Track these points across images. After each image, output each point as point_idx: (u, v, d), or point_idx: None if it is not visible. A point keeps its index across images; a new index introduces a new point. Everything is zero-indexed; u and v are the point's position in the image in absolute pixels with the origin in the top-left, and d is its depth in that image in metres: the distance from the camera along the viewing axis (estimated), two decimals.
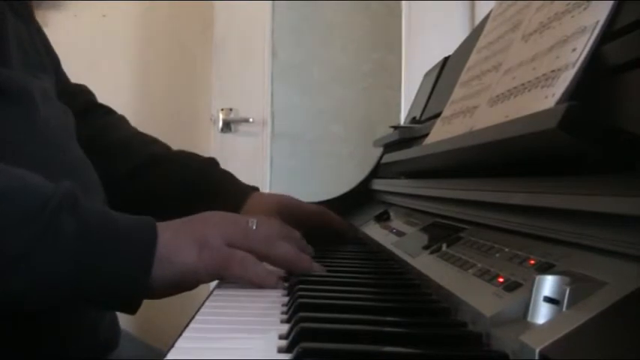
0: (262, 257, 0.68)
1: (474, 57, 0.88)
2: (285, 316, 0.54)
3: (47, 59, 0.86)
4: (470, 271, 0.54)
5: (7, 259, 0.54)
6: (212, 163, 1.04)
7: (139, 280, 0.59)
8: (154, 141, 1.06)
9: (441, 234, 0.71)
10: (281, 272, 0.71)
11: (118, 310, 0.62)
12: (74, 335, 0.73)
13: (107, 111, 1.04)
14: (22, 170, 0.59)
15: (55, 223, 0.56)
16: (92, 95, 1.02)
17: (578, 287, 0.37)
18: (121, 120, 1.06)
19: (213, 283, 0.72)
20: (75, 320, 0.74)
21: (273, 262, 0.70)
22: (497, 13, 0.86)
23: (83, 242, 0.57)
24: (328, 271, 0.72)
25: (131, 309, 0.61)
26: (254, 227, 0.69)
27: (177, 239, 0.63)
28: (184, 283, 0.63)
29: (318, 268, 0.71)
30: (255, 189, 1.03)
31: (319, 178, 2.29)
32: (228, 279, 0.66)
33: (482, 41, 0.88)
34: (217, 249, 0.64)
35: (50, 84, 0.83)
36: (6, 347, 0.68)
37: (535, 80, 0.58)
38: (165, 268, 0.61)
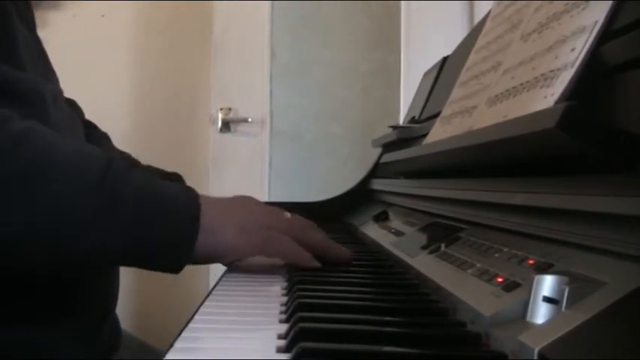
0: (297, 241, 0.74)
1: (472, 57, 0.88)
2: (284, 316, 0.53)
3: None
4: (469, 271, 0.54)
5: (78, 222, 0.59)
6: (176, 177, 1.08)
7: (185, 248, 0.65)
8: (127, 157, 1.10)
9: (440, 234, 0.71)
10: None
11: (164, 270, 0.67)
12: (76, 338, 0.73)
13: (93, 127, 1.04)
14: (75, 139, 0.65)
15: (116, 190, 0.61)
16: (80, 111, 1.02)
17: (578, 287, 0.37)
18: (104, 137, 1.09)
19: (212, 282, 0.72)
20: (77, 323, 0.74)
21: (308, 246, 0.75)
22: (496, 13, 0.86)
23: (139, 210, 0.62)
24: (327, 271, 0.72)
25: (175, 270, 0.66)
26: (288, 216, 0.76)
27: (220, 216, 0.69)
28: (223, 257, 0.71)
29: (348, 259, 0.77)
30: None
31: (318, 178, 2.29)
32: (266, 255, 0.74)
33: (481, 41, 0.88)
34: (256, 230, 0.71)
35: (59, 89, 0.83)
36: (7, 349, 0.68)
37: (534, 80, 0.58)
38: (209, 239, 0.66)
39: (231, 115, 2.29)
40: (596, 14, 0.52)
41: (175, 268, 0.66)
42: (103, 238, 0.61)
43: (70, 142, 0.64)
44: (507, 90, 0.64)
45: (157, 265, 0.66)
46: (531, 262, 0.47)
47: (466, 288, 0.51)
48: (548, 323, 0.37)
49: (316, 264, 0.74)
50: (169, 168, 1.10)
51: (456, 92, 0.88)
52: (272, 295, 0.63)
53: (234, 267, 0.78)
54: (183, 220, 0.65)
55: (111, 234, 0.61)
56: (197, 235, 0.65)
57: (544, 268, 0.44)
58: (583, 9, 0.55)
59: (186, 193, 0.68)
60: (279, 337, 0.47)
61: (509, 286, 0.45)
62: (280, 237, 0.73)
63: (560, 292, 0.37)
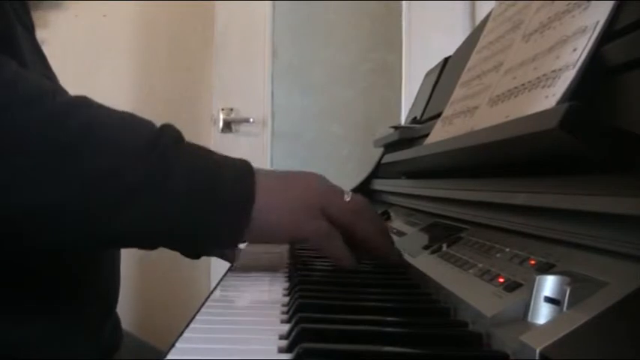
0: (349, 231, 0.70)
1: (474, 57, 0.88)
2: (285, 316, 0.53)
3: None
4: (470, 271, 0.54)
5: (122, 190, 0.57)
6: None
7: (235, 229, 0.63)
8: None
9: (442, 234, 0.71)
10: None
11: (210, 253, 0.66)
12: (77, 337, 0.73)
13: None
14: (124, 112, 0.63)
15: (165, 159, 0.59)
16: None
17: (579, 287, 0.37)
18: None
19: (214, 283, 0.72)
20: (78, 322, 0.74)
21: (357, 238, 0.71)
22: (497, 13, 0.86)
23: (188, 182, 0.60)
24: (328, 271, 0.72)
25: (229, 245, 0.66)
26: (348, 199, 0.71)
27: (277, 196, 0.66)
28: (273, 237, 0.69)
29: (396, 254, 0.74)
30: None
31: None
32: (311, 246, 0.73)
33: (482, 41, 0.88)
34: (311, 217, 0.68)
35: (61, 88, 0.83)
36: (8, 348, 0.68)
37: (535, 80, 0.58)
38: (262, 220, 0.64)
39: (232, 116, 2.30)
40: (598, 14, 0.52)
41: (226, 245, 0.66)
42: (150, 205, 0.58)
43: (118, 113, 0.62)
44: (509, 90, 0.64)
45: (205, 245, 0.65)
46: (533, 262, 0.47)
47: (467, 288, 0.51)
48: (550, 323, 0.37)
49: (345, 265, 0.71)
50: None
51: (458, 92, 0.88)
52: (273, 295, 0.63)
53: (236, 267, 0.79)
54: (236, 199, 0.63)
55: (158, 201, 0.58)
56: (250, 216, 0.63)
57: (545, 269, 0.44)
58: (584, 9, 0.55)
59: (242, 168, 0.66)
60: (281, 337, 0.47)
61: (511, 287, 0.45)
62: (332, 236, 0.69)
63: (562, 292, 0.37)
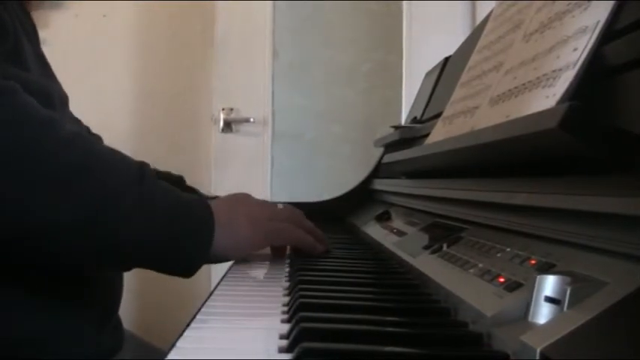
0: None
1: (474, 57, 0.88)
2: (285, 316, 0.54)
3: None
4: (471, 271, 0.54)
5: (124, 208, 0.64)
6: (180, 181, 1.11)
7: (203, 246, 0.70)
8: None
9: (442, 234, 0.71)
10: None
11: (179, 273, 0.70)
12: (78, 340, 0.73)
13: (97, 138, 1.04)
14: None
15: (150, 186, 0.67)
16: (80, 122, 1.02)
17: (579, 287, 0.37)
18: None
19: (214, 282, 0.72)
20: (80, 324, 0.74)
21: (307, 231, 0.83)
22: (497, 13, 0.86)
23: (169, 208, 0.68)
24: (328, 271, 0.72)
25: (190, 272, 0.70)
26: (281, 207, 0.84)
27: (230, 213, 0.74)
28: (240, 249, 0.77)
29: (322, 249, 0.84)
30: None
31: (319, 178, 2.29)
32: (276, 244, 0.86)
33: (483, 41, 0.88)
34: (265, 222, 0.78)
35: (64, 93, 0.84)
36: (9, 348, 0.68)
37: (536, 80, 0.58)
38: (225, 233, 0.71)
39: (233, 115, 2.29)
40: (598, 14, 0.52)
41: (194, 264, 0.69)
42: (141, 232, 0.65)
43: (107, 146, 0.70)
44: (509, 90, 0.64)
45: (178, 263, 0.69)
46: (533, 262, 0.47)
47: (468, 288, 0.51)
48: (550, 323, 0.37)
49: (321, 248, 0.83)
50: (171, 168, 1.10)
51: (458, 92, 0.88)
52: (274, 295, 0.64)
53: (236, 268, 0.79)
54: (201, 219, 0.70)
55: (148, 226, 0.65)
56: (214, 230, 0.70)
57: (546, 269, 0.44)
58: (585, 9, 0.55)
59: (198, 198, 0.74)
60: (281, 337, 0.47)
61: (511, 286, 0.45)
62: (287, 226, 0.80)
63: (562, 292, 0.37)
